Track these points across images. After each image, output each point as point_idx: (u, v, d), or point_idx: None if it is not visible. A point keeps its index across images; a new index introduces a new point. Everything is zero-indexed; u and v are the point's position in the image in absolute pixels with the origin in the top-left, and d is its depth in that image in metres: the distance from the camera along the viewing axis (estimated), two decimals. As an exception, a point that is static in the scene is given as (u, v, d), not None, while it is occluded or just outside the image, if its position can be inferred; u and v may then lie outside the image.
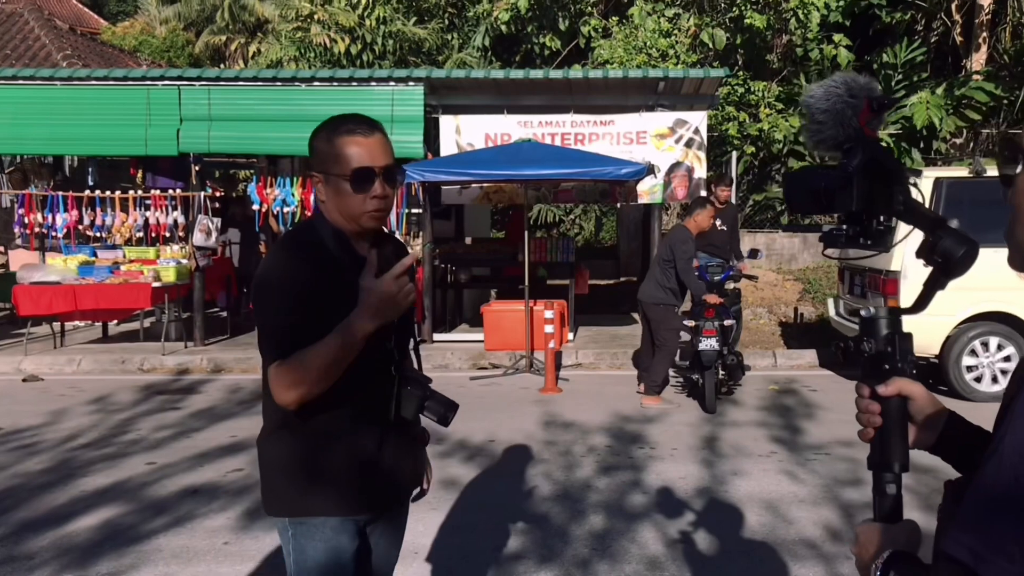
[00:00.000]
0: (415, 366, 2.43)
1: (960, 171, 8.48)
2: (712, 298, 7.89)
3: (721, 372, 7.98)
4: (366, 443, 2.20)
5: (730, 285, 8.82)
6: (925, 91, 14.77)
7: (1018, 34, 15.16)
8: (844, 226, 1.42)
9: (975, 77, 14.67)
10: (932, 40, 16.98)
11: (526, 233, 9.89)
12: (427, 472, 2.49)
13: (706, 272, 8.18)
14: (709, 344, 7.64)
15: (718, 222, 9.43)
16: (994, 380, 8.20)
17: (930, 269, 1.40)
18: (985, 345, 8.22)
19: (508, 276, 11.88)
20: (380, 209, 2.16)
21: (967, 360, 8.19)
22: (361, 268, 2.13)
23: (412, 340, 2.39)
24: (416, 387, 2.24)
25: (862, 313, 1.39)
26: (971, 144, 15.40)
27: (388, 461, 2.24)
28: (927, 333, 8.15)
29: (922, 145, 14.93)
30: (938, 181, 8.15)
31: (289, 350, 2.04)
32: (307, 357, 2.02)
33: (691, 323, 7.98)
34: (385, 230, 2.41)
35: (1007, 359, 8.17)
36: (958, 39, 15.95)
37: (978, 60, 15.33)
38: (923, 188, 8.16)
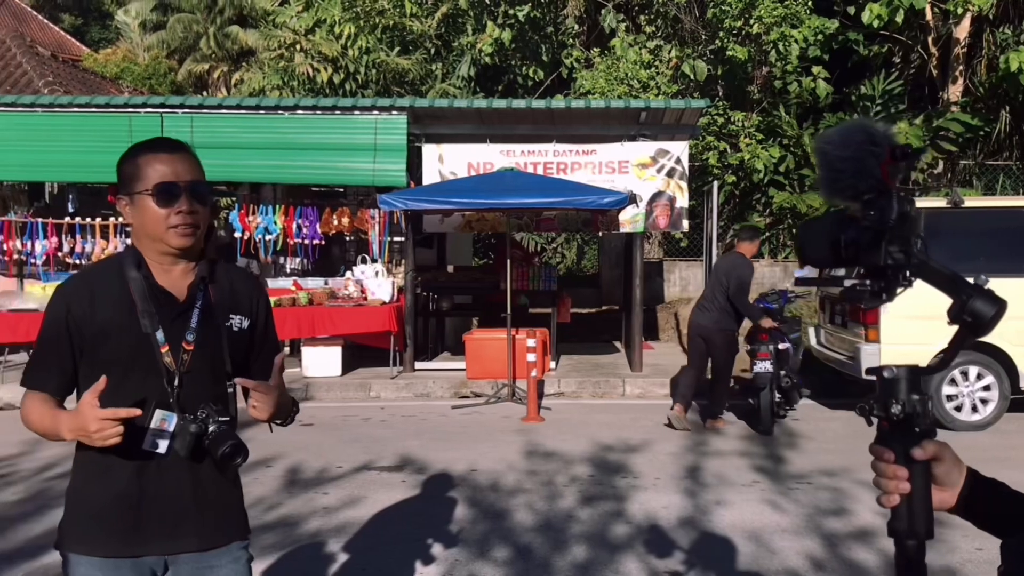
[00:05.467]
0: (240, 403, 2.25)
1: (938, 202, 8.57)
2: (767, 322, 8.17)
3: (777, 395, 8.13)
4: (133, 479, 2.09)
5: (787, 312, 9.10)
6: (903, 122, 14.97)
7: (993, 66, 15.40)
8: (868, 281, 1.35)
9: (952, 108, 14.88)
10: (909, 73, 17.22)
11: (508, 261, 9.89)
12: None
13: (763, 300, 8.56)
14: (763, 367, 7.92)
15: None
16: (974, 409, 8.24)
17: (956, 328, 1.32)
18: (964, 374, 8.27)
19: (489, 304, 11.91)
20: (186, 224, 2.10)
21: (947, 389, 8.23)
22: (160, 302, 2.12)
23: (226, 373, 2.20)
24: (192, 422, 2.07)
25: (885, 374, 1.33)
26: (948, 175, 15.58)
27: (162, 500, 2.11)
28: (906, 363, 8.19)
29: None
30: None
31: (32, 379, 2.14)
32: (33, 414, 2.10)
33: (747, 347, 8.26)
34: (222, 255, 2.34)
35: (986, 388, 8.22)
36: (934, 71, 16.18)
37: (954, 92, 15.56)
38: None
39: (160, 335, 2.09)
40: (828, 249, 1.36)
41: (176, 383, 2.10)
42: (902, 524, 1.31)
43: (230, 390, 2.18)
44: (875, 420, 1.35)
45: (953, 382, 8.25)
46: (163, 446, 2.08)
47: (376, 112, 10.68)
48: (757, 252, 8.69)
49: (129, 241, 2.30)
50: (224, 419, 2.10)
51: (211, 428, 2.07)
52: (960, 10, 13.81)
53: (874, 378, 1.36)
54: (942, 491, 1.34)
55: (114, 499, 2.09)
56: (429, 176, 10.85)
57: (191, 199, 2.11)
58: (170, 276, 2.16)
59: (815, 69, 15.25)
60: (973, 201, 8.88)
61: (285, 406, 2.23)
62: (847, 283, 1.42)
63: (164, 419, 2.07)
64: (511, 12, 16.73)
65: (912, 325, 8.13)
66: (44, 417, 2.07)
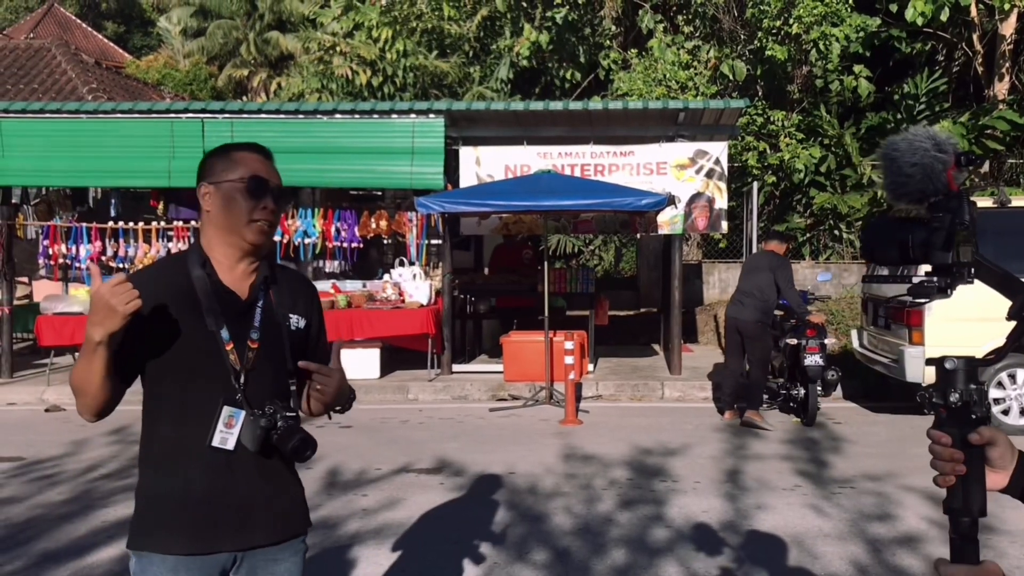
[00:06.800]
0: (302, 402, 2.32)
1: (984, 201, 8.40)
2: (817, 317, 8.65)
3: (819, 387, 8.44)
4: (203, 475, 2.11)
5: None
6: (946, 121, 14.71)
7: (1040, 64, 15.12)
8: (935, 278, 1.46)
9: (1000, 106, 14.58)
10: (953, 70, 16.94)
11: (546, 264, 9.87)
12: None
13: (782, 299, 8.80)
14: (814, 360, 8.24)
15: None
16: (1022, 413, 8.07)
17: (1014, 324, 1.44)
18: (1012, 377, 8.10)
19: (518, 307, 11.90)
20: (267, 222, 2.17)
21: (994, 392, 8.06)
22: (224, 300, 2.14)
23: (288, 371, 2.25)
24: (261, 417, 2.11)
25: (946, 365, 1.43)
26: (995, 174, 15.29)
27: (232, 495, 2.13)
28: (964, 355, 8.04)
29: (945, 175, 14.82)
30: (962, 211, 8.07)
31: None
32: (73, 369, 2.04)
33: (793, 341, 8.57)
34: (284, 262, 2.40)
35: (1035, 391, 8.05)
36: (979, 69, 15.89)
37: (1000, 89, 15.26)
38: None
39: (224, 333, 2.13)
40: (896, 249, 1.48)
41: (242, 380, 2.14)
42: (958, 503, 1.42)
43: (292, 387, 2.25)
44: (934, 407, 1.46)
45: (1000, 385, 8.09)
46: (231, 442, 2.12)
47: (413, 115, 10.71)
48: (786, 253, 8.99)
49: (176, 245, 2.33)
50: (290, 414, 2.16)
51: (279, 423, 2.12)
52: (1007, 6, 13.54)
53: (918, 381, 1.49)
54: (995, 473, 1.45)
55: (186, 496, 2.10)
56: (466, 179, 10.86)
57: (275, 200, 2.19)
58: (233, 275, 2.20)
59: (856, 68, 15.04)
60: (1020, 200, 8.70)
61: (345, 391, 2.27)
62: (915, 280, 1.53)
63: (231, 416, 2.12)
64: (548, 14, 16.71)
65: (957, 327, 7.99)
66: (75, 364, 2.05)
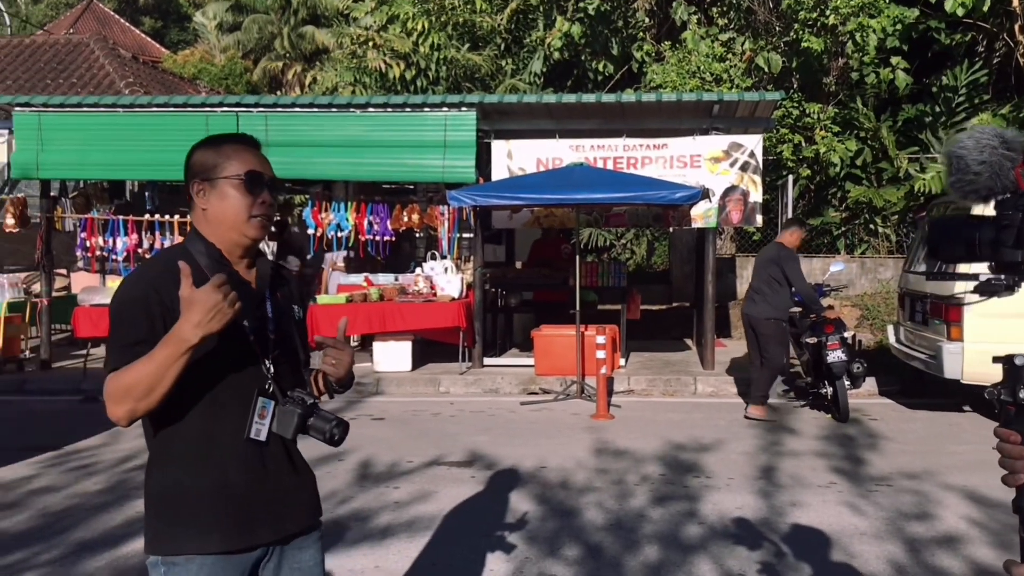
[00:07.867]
0: (310, 388, 2.33)
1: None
2: (832, 313, 8.62)
3: (847, 382, 8.30)
4: (238, 469, 2.08)
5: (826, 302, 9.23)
6: (987, 113, 14.44)
7: (1084, 54, 14.77)
8: (1002, 276, 1.48)
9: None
10: (994, 62, 16.61)
11: (577, 258, 9.83)
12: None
13: (797, 294, 8.65)
14: (837, 356, 8.13)
15: None
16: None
17: None
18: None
19: (551, 301, 11.83)
20: (266, 216, 2.15)
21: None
22: (237, 287, 2.01)
23: (301, 361, 2.30)
24: (295, 404, 2.11)
25: (1016, 361, 1.42)
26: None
27: (266, 488, 2.12)
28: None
29: (985, 168, 14.56)
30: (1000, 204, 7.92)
31: (122, 359, 1.96)
32: (132, 369, 1.92)
33: (813, 340, 8.50)
34: (270, 257, 2.37)
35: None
36: (1021, 60, 15.58)
37: (1043, 81, 14.97)
38: (988, 212, 7.94)
39: (246, 324, 2.12)
40: (963, 247, 1.50)
41: (271, 371, 2.15)
42: None
43: (307, 376, 2.29)
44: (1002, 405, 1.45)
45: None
46: (264, 433, 2.12)
47: (446, 109, 10.71)
48: (799, 243, 8.79)
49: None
50: (316, 401, 2.19)
51: (313, 410, 2.14)
52: (1050, -5, 13.27)
53: (957, 377, 1.50)
54: None
55: (223, 492, 2.06)
56: (498, 172, 10.84)
57: (271, 193, 2.18)
58: (237, 269, 2.19)
59: (894, 59, 14.80)
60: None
61: (351, 368, 2.32)
62: (982, 278, 1.53)
63: (264, 406, 2.12)
64: (581, 6, 16.62)
65: (997, 323, 7.84)
66: (141, 364, 1.91)
